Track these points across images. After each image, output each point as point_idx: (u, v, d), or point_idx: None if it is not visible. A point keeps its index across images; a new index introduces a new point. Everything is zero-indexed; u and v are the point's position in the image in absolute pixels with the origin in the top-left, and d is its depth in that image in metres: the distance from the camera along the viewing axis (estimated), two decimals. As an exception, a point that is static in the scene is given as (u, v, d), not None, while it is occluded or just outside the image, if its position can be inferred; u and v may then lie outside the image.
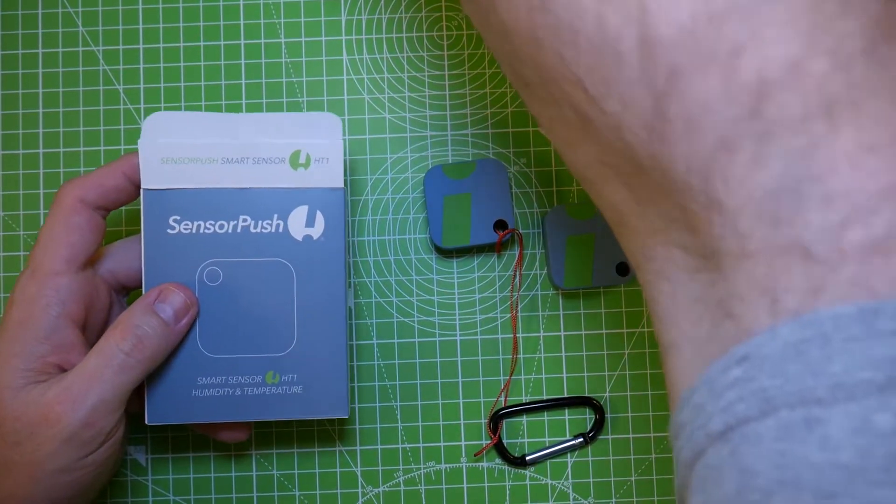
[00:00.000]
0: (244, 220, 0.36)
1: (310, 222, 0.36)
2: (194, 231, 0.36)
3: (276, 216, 0.36)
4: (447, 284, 0.42)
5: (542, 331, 0.42)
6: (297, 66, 0.43)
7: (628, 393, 0.42)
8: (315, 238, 0.36)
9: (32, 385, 0.33)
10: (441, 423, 0.42)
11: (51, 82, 0.43)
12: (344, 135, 0.41)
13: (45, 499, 0.32)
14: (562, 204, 0.41)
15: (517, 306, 0.42)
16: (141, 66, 0.43)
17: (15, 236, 0.42)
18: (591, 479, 0.42)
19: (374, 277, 0.42)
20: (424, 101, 0.43)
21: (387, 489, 0.42)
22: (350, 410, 0.39)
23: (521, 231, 0.42)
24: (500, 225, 0.40)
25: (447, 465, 0.42)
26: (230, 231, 0.36)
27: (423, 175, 0.41)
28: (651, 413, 0.42)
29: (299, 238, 0.36)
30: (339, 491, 0.42)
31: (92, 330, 0.36)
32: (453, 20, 0.43)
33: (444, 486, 0.42)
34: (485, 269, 0.43)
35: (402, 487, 0.42)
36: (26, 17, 0.43)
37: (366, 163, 0.43)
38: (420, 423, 0.42)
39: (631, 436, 0.42)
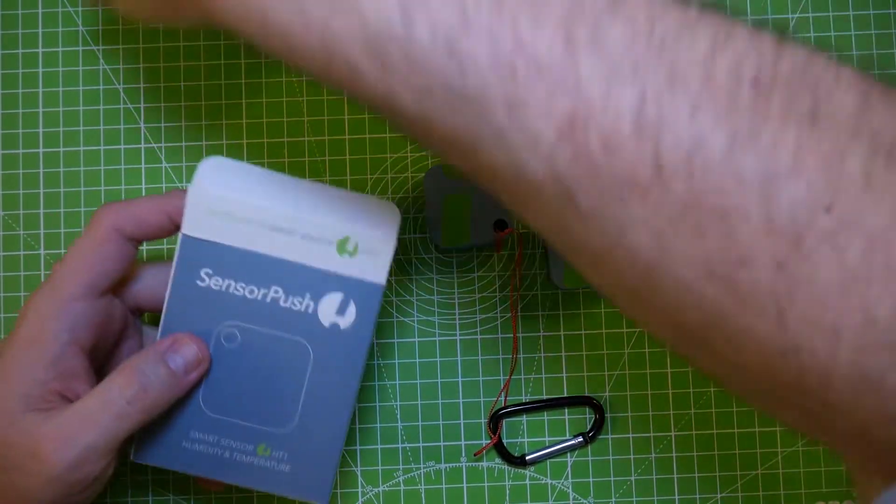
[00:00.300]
0: (275, 292, 0.34)
1: (341, 311, 0.35)
2: (223, 289, 0.34)
3: (308, 295, 0.34)
4: (447, 284, 0.42)
5: (541, 330, 0.42)
6: (297, 65, 0.43)
7: (628, 392, 0.42)
8: (342, 328, 0.35)
9: (31, 412, 0.31)
10: (441, 422, 0.42)
11: (51, 82, 0.43)
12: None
13: None
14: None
15: (517, 306, 0.42)
16: (141, 65, 0.43)
17: (15, 236, 0.42)
18: (590, 479, 0.42)
19: (374, 277, 0.42)
20: (424, 101, 0.43)
21: (386, 489, 0.42)
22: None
23: (520, 231, 0.42)
24: (499, 225, 0.40)
25: (447, 465, 0.42)
26: (259, 298, 0.34)
27: (423, 175, 0.41)
28: (651, 413, 0.42)
29: (326, 324, 0.35)
30: (339, 490, 0.42)
31: (100, 353, 0.35)
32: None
33: (443, 486, 0.42)
34: (484, 268, 0.43)
35: (402, 487, 0.42)
36: (26, 16, 0.43)
37: (366, 163, 0.43)
38: (420, 423, 0.42)
39: (631, 435, 0.42)
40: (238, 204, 0.33)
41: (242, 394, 0.35)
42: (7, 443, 0.31)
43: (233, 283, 0.34)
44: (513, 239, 0.42)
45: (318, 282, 0.34)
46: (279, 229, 0.34)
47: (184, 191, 0.33)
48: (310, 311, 0.34)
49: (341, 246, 0.34)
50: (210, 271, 0.34)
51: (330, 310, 0.34)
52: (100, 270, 0.33)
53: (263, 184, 0.34)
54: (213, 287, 0.34)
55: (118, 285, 0.35)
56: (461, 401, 0.42)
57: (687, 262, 0.22)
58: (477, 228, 0.40)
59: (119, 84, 0.43)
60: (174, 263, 0.34)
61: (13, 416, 0.31)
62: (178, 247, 0.34)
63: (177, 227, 0.34)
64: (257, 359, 0.35)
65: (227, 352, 0.35)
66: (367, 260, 0.34)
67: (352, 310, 0.35)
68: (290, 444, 0.35)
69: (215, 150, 0.43)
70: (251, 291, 0.34)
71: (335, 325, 0.35)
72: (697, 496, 0.42)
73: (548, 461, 0.42)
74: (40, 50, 0.43)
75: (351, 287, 0.34)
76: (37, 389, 0.32)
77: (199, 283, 0.34)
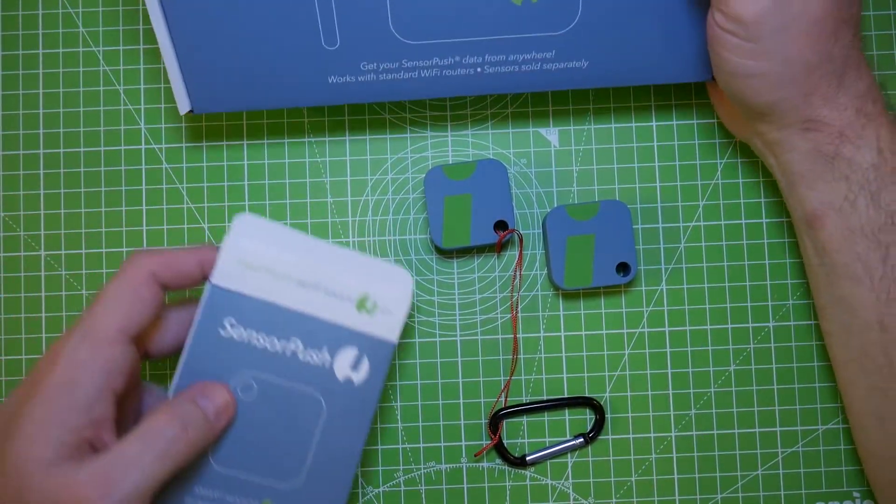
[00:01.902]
0: (295, 344, 0.36)
1: (355, 366, 0.36)
2: (245, 339, 0.35)
3: (325, 349, 0.36)
4: (447, 285, 0.42)
5: (542, 331, 0.42)
6: (298, 66, 0.43)
7: (628, 393, 0.42)
8: (355, 383, 0.36)
9: (65, 461, 0.30)
10: (441, 423, 0.42)
11: (51, 83, 0.43)
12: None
13: None
14: (562, 204, 0.41)
15: (517, 307, 0.42)
16: (141, 66, 0.43)
17: (15, 236, 0.42)
18: (591, 480, 0.42)
19: (375, 278, 0.42)
20: (425, 102, 0.43)
21: (387, 489, 0.42)
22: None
23: (521, 232, 0.42)
24: (500, 225, 0.40)
25: (447, 466, 0.42)
26: (279, 350, 0.36)
27: (424, 175, 0.41)
28: (651, 413, 0.42)
29: (340, 378, 0.36)
30: (339, 491, 0.42)
31: (121, 401, 0.35)
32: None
33: (444, 487, 0.42)
34: (485, 269, 0.43)
35: (403, 488, 0.42)
36: (27, 17, 0.43)
37: (366, 163, 0.43)
38: (420, 424, 0.42)
39: (631, 436, 0.42)
40: (268, 258, 0.35)
41: (253, 446, 0.36)
42: (41, 494, 0.30)
43: (254, 334, 0.35)
44: (513, 239, 0.42)
45: (335, 336, 0.36)
46: (303, 284, 0.35)
47: (214, 245, 0.35)
48: (326, 364, 0.36)
49: (361, 303, 0.36)
50: (234, 321, 0.35)
51: (345, 364, 0.36)
52: (135, 315, 0.33)
53: (292, 242, 0.35)
54: (235, 337, 0.35)
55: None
56: (461, 401, 0.42)
57: None
58: (477, 229, 0.40)
59: (119, 85, 0.43)
60: (199, 312, 0.35)
61: (47, 466, 0.30)
62: (205, 296, 0.35)
63: (205, 278, 0.35)
64: (271, 411, 0.36)
65: (242, 403, 0.36)
66: (383, 318, 0.36)
67: (365, 365, 0.36)
68: (294, 501, 0.36)
69: (216, 150, 0.43)
70: (272, 343, 0.35)
71: (349, 380, 0.36)
72: (698, 497, 0.42)
73: (548, 462, 0.42)
74: (41, 51, 0.43)
75: (366, 343, 0.36)
76: (71, 436, 0.31)
77: (221, 332, 0.35)
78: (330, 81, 0.37)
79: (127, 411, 0.35)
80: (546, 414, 0.42)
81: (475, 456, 0.42)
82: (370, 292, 0.36)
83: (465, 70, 0.37)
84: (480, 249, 0.43)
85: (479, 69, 0.37)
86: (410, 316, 0.42)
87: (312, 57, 0.36)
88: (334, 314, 0.36)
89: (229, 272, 0.35)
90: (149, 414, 0.33)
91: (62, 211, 0.42)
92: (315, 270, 0.35)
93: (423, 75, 0.37)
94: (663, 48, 0.38)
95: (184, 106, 0.38)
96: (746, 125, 0.39)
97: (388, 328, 0.36)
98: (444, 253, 0.42)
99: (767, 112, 0.36)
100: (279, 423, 0.36)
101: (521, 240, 0.41)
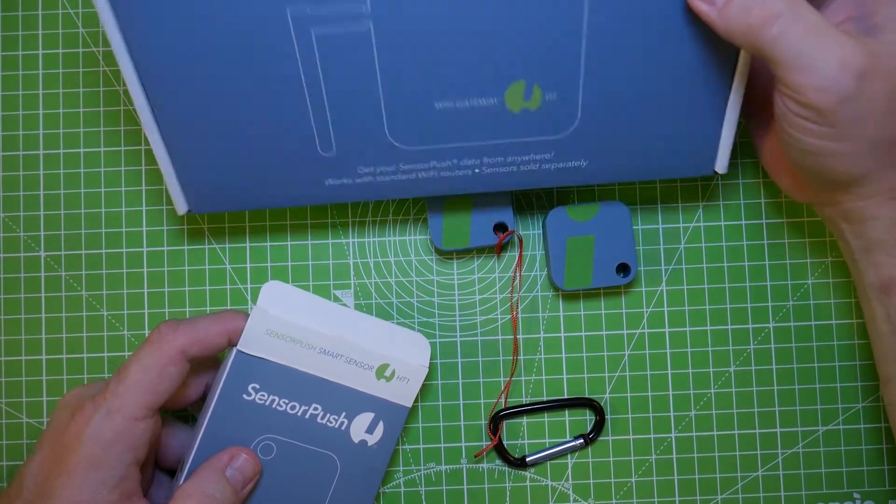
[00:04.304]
0: (315, 409, 0.37)
1: (370, 429, 0.38)
2: (267, 403, 0.37)
3: (343, 414, 0.37)
4: (447, 286, 0.42)
5: (542, 332, 0.42)
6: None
7: (628, 394, 0.42)
8: (369, 444, 0.38)
9: None
10: (441, 424, 0.42)
11: (51, 83, 0.43)
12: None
13: None
14: (562, 205, 0.41)
15: (517, 307, 0.42)
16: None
17: (15, 237, 0.42)
18: (591, 481, 0.42)
19: (375, 279, 0.42)
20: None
21: (387, 490, 0.42)
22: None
23: (520, 233, 0.42)
24: (500, 227, 0.40)
25: (447, 467, 0.42)
26: (299, 414, 0.37)
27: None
28: (651, 414, 0.42)
29: (356, 440, 0.38)
30: (339, 492, 0.42)
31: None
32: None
33: (444, 488, 0.42)
34: (485, 270, 0.43)
35: (403, 489, 0.42)
36: (26, 18, 0.43)
37: (366, 164, 0.43)
38: (420, 425, 0.42)
39: (631, 437, 0.42)
40: (295, 328, 0.36)
41: (270, 501, 0.37)
42: None
43: (276, 399, 0.37)
44: (512, 240, 0.42)
45: (354, 401, 0.37)
46: (327, 353, 0.37)
47: (240, 312, 0.36)
48: (343, 427, 0.37)
49: (380, 371, 0.37)
50: (257, 386, 0.36)
51: (361, 428, 0.38)
52: (161, 391, 0.34)
53: (316, 310, 0.37)
54: (258, 401, 0.36)
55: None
56: (461, 402, 0.42)
57: None
58: (477, 230, 0.40)
59: (119, 86, 0.43)
60: (224, 375, 0.36)
61: None
62: (230, 361, 0.36)
63: (230, 346, 0.36)
64: (289, 468, 0.37)
65: (261, 461, 0.37)
66: (400, 385, 0.38)
67: (380, 428, 0.38)
68: None
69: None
70: (293, 407, 0.37)
71: (363, 442, 0.38)
72: (698, 498, 0.42)
73: (548, 463, 0.42)
74: (40, 51, 0.43)
75: (382, 408, 0.38)
76: None
77: (245, 396, 0.36)
78: (327, 184, 0.37)
79: (148, 455, 0.36)
80: (546, 415, 0.42)
81: (475, 457, 0.42)
82: (390, 361, 0.38)
83: (462, 171, 0.37)
84: (480, 251, 0.42)
85: (476, 170, 0.37)
86: (410, 316, 0.42)
87: (309, 161, 0.36)
88: (354, 381, 0.37)
89: (256, 340, 0.36)
90: (181, 493, 0.34)
91: (62, 211, 0.42)
92: (337, 339, 0.37)
93: (420, 177, 0.37)
94: (664, 148, 0.37)
95: (181, 207, 0.38)
96: (818, 193, 0.36)
97: (404, 395, 0.38)
98: (444, 254, 0.42)
99: (849, 184, 0.34)
100: (295, 479, 0.37)
101: (520, 241, 0.41)
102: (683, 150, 0.37)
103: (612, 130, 0.36)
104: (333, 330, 0.37)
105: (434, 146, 0.36)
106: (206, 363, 0.38)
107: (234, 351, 0.36)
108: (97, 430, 0.33)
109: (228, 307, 0.42)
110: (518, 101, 0.35)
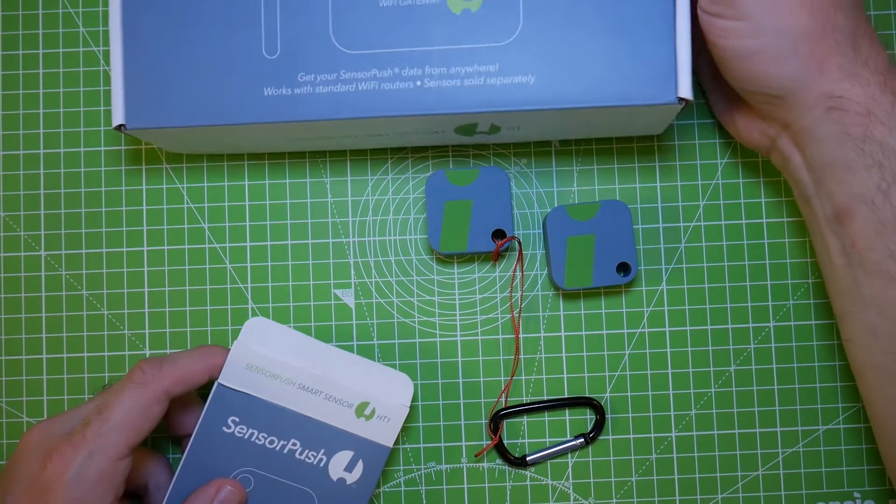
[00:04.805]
0: (293, 444, 0.37)
1: (349, 467, 0.38)
2: (246, 437, 0.37)
3: (322, 451, 0.37)
4: (448, 285, 0.42)
5: (542, 331, 0.42)
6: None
7: (629, 393, 0.42)
8: (347, 483, 0.38)
9: None
10: (441, 423, 0.42)
11: (51, 83, 0.43)
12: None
13: None
14: (562, 204, 0.41)
15: (518, 307, 0.42)
16: (141, 66, 0.43)
17: (15, 237, 0.42)
18: (591, 480, 0.42)
19: (375, 278, 0.42)
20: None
21: (387, 490, 0.42)
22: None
23: (520, 236, 0.42)
24: (498, 234, 0.40)
25: (448, 466, 0.42)
26: (277, 449, 0.37)
27: (426, 176, 0.41)
28: (651, 413, 0.42)
29: (334, 478, 0.38)
30: (339, 491, 0.42)
31: None
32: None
33: (444, 487, 0.42)
34: (485, 269, 0.43)
35: (403, 488, 0.42)
36: (27, 17, 0.43)
37: (366, 163, 0.43)
38: (420, 424, 0.42)
39: (631, 436, 0.42)
40: (275, 363, 0.37)
41: None
42: None
43: (255, 433, 0.37)
44: (511, 246, 0.42)
45: (333, 439, 0.37)
46: (307, 389, 0.37)
47: (220, 347, 0.37)
48: (321, 465, 0.37)
49: (360, 409, 0.37)
50: (237, 419, 0.37)
51: (340, 466, 0.38)
52: (144, 430, 0.34)
53: (298, 347, 0.37)
54: (237, 434, 0.37)
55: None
56: (462, 402, 0.42)
57: None
58: (475, 236, 0.40)
59: (119, 85, 0.43)
60: (206, 408, 0.37)
61: None
62: (212, 394, 0.37)
63: (211, 380, 0.37)
64: (266, 503, 0.37)
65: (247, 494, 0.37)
66: (380, 424, 0.38)
67: (359, 467, 0.38)
68: None
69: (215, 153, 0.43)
70: (271, 441, 0.37)
71: (342, 480, 0.38)
72: (698, 497, 0.42)
73: (548, 462, 0.42)
74: (41, 51, 0.43)
75: (362, 447, 0.38)
76: None
77: (224, 429, 0.37)
78: (266, 93, 0.36)
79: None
80: (546, 414, 0.42)
81: (476, 456, 0.42)
82: (370, 399, 0.37)
83: (404, 84, 0.36)
84: (478, 255, 0.42)
85: (418, 82, 0.36)
86: (411, 316, 0.42)
87: (252, 64, 0.36)
88: (334, 418, 0.37)
89: (236, 374, 0.37)
90: None
91: (62, 211, 0.42)
92: (318, 376, 0.37)
93: (361, 88, 0.36)
94: (615, 70, 0.35)
95: (117, 118, 0.36)
96: (764, 122, 0.37)
97: (384, 434, 0.38)
98: (442, 258, 0.42)
99: (783, 94, 0.34)
100: None
101: (520, 244, 0.41)
102: (638, 73, 0.35)
103: (557, 39, 0.35)
104: (314, 366, 0.37)
105: (377, 50, 0.36)
106: (189, 402, 0.39)
107: (216, 384, 0.37)
108: (80, 471, 0.33)
109: (228, 305, 0.42)
110: (459, 0, 0.35)
